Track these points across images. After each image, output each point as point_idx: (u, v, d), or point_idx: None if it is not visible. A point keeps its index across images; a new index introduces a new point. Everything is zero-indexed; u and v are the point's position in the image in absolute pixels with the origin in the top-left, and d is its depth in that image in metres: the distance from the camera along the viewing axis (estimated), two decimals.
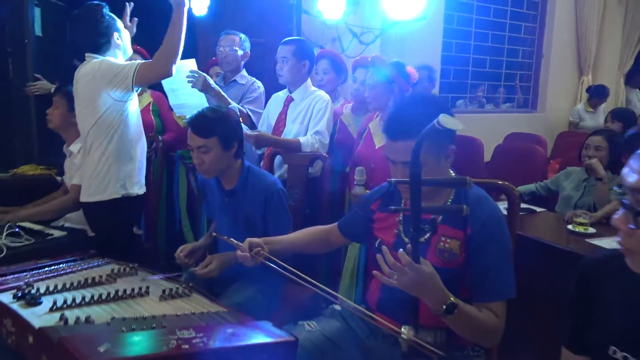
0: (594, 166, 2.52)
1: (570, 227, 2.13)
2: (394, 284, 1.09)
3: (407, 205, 1.36)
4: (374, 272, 1.12)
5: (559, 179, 2.82)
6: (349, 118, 2.51)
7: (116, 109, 1.93)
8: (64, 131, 2.39)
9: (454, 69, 4.84)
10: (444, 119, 0.92)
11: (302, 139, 2.21)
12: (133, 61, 1.94)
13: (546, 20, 5.23)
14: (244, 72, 2.72)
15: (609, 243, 1.98)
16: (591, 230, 2.08)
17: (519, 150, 3.48)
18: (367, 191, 2.03)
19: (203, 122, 1.69)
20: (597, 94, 5.09)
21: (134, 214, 2.09)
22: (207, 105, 2.36)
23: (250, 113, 2.46)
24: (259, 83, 2.67)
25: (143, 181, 2.10)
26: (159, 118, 3.12)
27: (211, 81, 2.31)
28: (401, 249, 1.07)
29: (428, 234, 1.31)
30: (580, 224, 2.07)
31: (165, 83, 2.31)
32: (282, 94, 2.48)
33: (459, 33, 4.71)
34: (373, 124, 2.16)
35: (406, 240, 1.34)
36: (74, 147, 2.34)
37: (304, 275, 1.35)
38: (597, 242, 1.99)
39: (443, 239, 1.28)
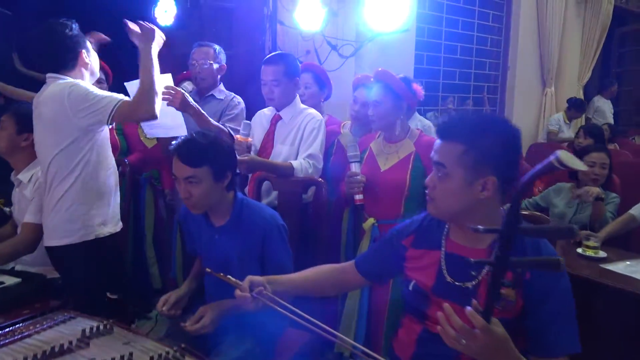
0: (592, 192, 2.45)
1: (579, 250, 2.03)
2: (459, 349, 0.91)
3: (451, 247, 1.21)
4: (438, 328, 0.94)
5: (549, 196, 2.76)
6: (348, 139, 2.32)
7: (85, 139, 1.69)
8: (11, 157, 2.06)
9: (425, 81, 4.77)
10: (565, 157, 0.75)
11: (294, 163, 2.00)
12: (113, 94, 1.71)
13: (510, 33, 5.29)
14: (221, 86, 2.48)
15: (622, 268, 1.89)
16: (602, 254, 1.99)
17: None
18: (360, 175, 1.86)
19: (192, 149, 1.45)
20: (575, 106, 5.15)
21: (110, 255, 1.81)
22: (184, 126, 2.11)
23: (232, 132, 2.23)
24: (239, 98, 2.44)
25: (118, 216, 1.85)
26: (123, 137, 2.82)
27: (190, 99, 2.06)
28: (469, 308, 0.90)
29: (477, 279, 1.14)
30: (591, 247, 1.97)
31: None
32: (267, 112, 2.26)
33: (429, 45, 4.67)
34: (375, 144, 1.98)
35: (449, 279, 1.18)
36: (24, 176, 2.02)
37: (317, 322, 1.15)
38: (610, 267, 1.90)
39: None
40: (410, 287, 1.26)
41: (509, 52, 5.33)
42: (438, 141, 1.18)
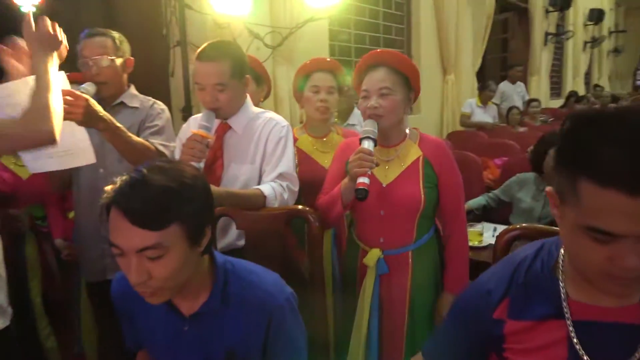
0: None
1: None
2: None
3: (581, 311, 0.79)
4: None
5: (511, 189, 2.59)
6: (309, 143, 1.83)
7: None
8: None
9: None
10: None
11: (265, 190, 1.45)
12: None
13: (412, 21, 5.22)
14: (132, 89, 1.82)
15: None
16: None
17: None
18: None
19: (151, 200, 0.85)
20: (485, 88, 5.20)
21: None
22: (90, 150, 1.45)
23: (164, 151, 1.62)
24: (161, 104, 1.81)
25: (6, 302, 1.17)
26: None
27: (98, 106, 1.41)
28: None
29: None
30: None
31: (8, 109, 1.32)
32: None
33: (340, 35, 4.34)
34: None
35: None
36: None
37: None
38: None
39: None
40: None
41: (412, 41, 5.25)
42: None
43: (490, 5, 6.11)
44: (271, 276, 1.05)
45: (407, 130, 1.56)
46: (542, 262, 0.87)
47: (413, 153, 1.51)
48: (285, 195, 1.49)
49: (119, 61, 1.76)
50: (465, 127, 5.29)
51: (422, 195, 1.46)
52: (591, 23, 10.21)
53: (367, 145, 1.38)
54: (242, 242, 1.53)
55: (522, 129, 4.77)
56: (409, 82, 1.50)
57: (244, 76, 1.58)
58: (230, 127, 1.60)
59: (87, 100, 1.39)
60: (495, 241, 1.21)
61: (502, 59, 8.26)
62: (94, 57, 1.70)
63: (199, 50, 1.55)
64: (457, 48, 5.64)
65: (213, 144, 1.56)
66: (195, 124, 1.61)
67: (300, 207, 1.41)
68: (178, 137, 1.68)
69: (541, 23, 7.93)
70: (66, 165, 1.45)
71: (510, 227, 1.20)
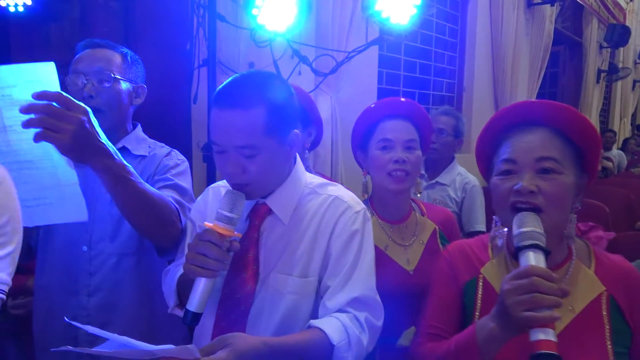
0: None
1: None
2: None
3: None
4: None
5: None
6: (381, 232, 1.17)
7: None
8: None
9: None
10: None
11: (331, 331, 0.83)
12: None
13: (466, 49, 4.66)
14: (139, 130, 1.26)
15: None
16: None
17: None
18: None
19: None
20: None
21: None
22: (80, 197, 0.92)
23: (178, 209, 1.06)
24: (179, 154, 1.25)
25: None
26: None
27: (99, 129, 0.89)
28: None
29: None
30: None
31: None
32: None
33: (389, 61, 3.79)
34: (497, 265, 0.92)
35: None
36: None
37: None
38: None
39: None
40: None
41: (465, 71, 4.68)
42: None
43: (549, 36, 5.53)
44: None
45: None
46: None
47: (589, 286, 0.89)
48: (365, 340, 0.87)
49: (125, 85, 1.20)
50: None
51: None
52: None
53: (536, 260, 0.77)
54: None
55: None
56: (583, 157, 0.90)
57: (290, 131, 0.95)
58: (270, 212, 0.99)
59: (86, 113, 0.84)
60: None
61: (551, 95, 7.62)
62: (90, 75, 1.15)
63: (218, 89, 0.92)
64: (512, 81, 5.05)
65: (243, 236, 0.96)
66: (215, 202, 1.01)
67: None
68: (188, 218, 1.08)
69: (595, 59, 7.31)
70: (40, 221, 0.90)
71: None
